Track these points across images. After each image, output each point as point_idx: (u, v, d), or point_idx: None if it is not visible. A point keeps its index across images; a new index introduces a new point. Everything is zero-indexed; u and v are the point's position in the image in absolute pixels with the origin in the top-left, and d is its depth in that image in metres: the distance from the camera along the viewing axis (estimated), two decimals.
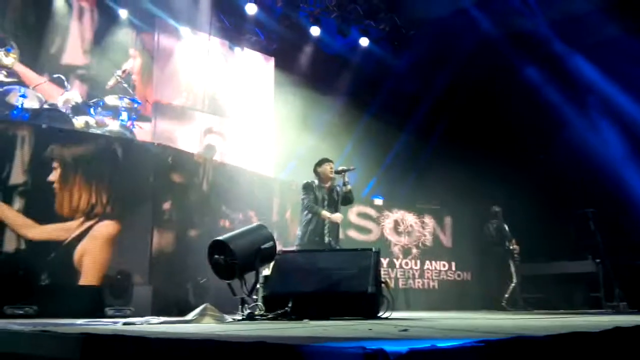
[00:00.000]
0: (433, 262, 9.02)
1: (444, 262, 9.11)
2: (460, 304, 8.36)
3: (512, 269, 7.93)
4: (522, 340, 1.75)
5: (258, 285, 4.25)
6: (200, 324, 3.52)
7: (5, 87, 6.40)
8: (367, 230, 8.46)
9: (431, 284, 8.93)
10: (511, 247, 8.02)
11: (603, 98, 8.64)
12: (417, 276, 8.83)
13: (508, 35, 9.09)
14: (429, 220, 9.15)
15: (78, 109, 6.76)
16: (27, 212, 5.16)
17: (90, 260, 5.41)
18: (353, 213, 8.20)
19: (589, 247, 7.73)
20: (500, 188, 8.52)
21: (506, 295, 7.78)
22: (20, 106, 6.22)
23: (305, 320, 3.64)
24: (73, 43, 7.70)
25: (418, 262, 8.90)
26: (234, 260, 3.99)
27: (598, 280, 7.45)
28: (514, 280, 7.87)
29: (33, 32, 7.28)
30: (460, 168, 8.82)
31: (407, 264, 8.81)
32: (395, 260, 8.71)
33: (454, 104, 9.89)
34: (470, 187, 8.90)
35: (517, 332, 2.09)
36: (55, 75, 7.08)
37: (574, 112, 8.81)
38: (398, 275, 8.66)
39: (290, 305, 3.91)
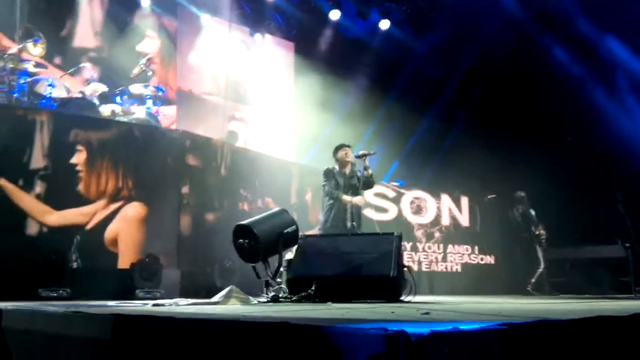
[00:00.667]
0: (456, 246, 8.95)
1: (467, 246, 9.03)
2: (485, 289, 8.29)
3: (539, 253, 7.81)
4: (546, 323, 1.73)
5: (282, 269, 4.32)
6: (226, 305, 3.60)
7: (33, 77, 6.53)
8: (383, 210, 8.42)
9: (454, 267, 8.89)
10: (537, 232, 7.89)
11: (633, 77, 8.35)
12: (440, 260, 8.80)
13: (534, 15, 8.82)
14: (445, 200, 9.06)
15: (105, 98, 6.89)
16: (48, 195, 5.27)
17: (127, 241, 5.55)
18: (370, 193, 8.19)
19: (619, 231, 7.55)
20: (527, 172, 8.34)
21: (532, 280, 7.68)
22: (48, 95, 6.36)
23: (329, 303, 3.69)
24: (85, 26, 7.72)
25: (441, 245, 8.85)
26: (257, 244, 4.06)
27: (627, 265, 7.30)
28: (542, 265, 7.77)
29: (50, 21, 7.33)
30: (485, 152, 8.67)
31: (429, 247, 8.78)
32: (418, 243, 8.68)
33: (478, 86, 9.69)
34: (496, 171, 8.75)
35: (541, 316, 2.07)
36: (81, 65, 7.21)
37: (602, 93, 8.54)
38: (421, 259, 8.64)
39: (313, 288, 3.96)
